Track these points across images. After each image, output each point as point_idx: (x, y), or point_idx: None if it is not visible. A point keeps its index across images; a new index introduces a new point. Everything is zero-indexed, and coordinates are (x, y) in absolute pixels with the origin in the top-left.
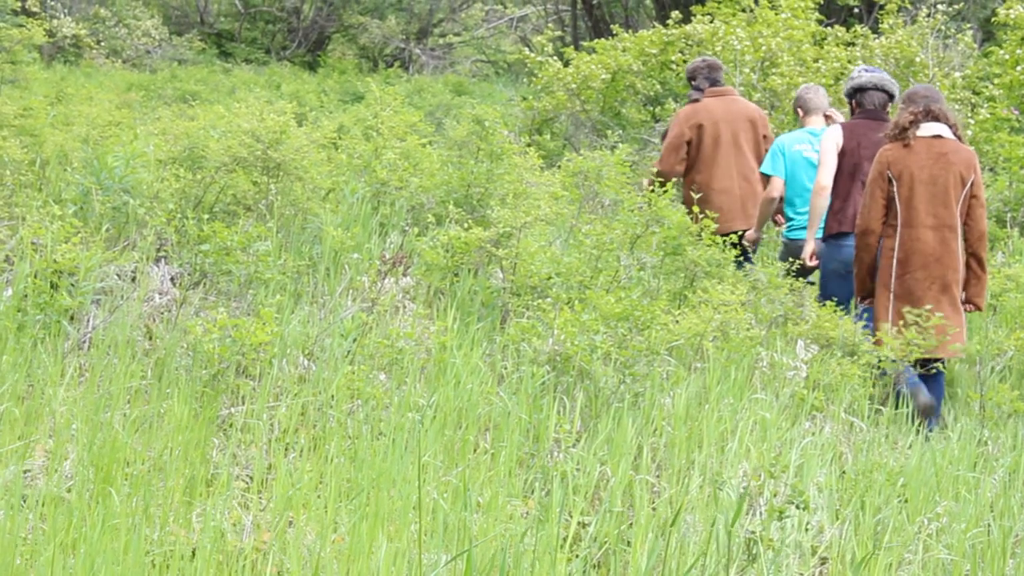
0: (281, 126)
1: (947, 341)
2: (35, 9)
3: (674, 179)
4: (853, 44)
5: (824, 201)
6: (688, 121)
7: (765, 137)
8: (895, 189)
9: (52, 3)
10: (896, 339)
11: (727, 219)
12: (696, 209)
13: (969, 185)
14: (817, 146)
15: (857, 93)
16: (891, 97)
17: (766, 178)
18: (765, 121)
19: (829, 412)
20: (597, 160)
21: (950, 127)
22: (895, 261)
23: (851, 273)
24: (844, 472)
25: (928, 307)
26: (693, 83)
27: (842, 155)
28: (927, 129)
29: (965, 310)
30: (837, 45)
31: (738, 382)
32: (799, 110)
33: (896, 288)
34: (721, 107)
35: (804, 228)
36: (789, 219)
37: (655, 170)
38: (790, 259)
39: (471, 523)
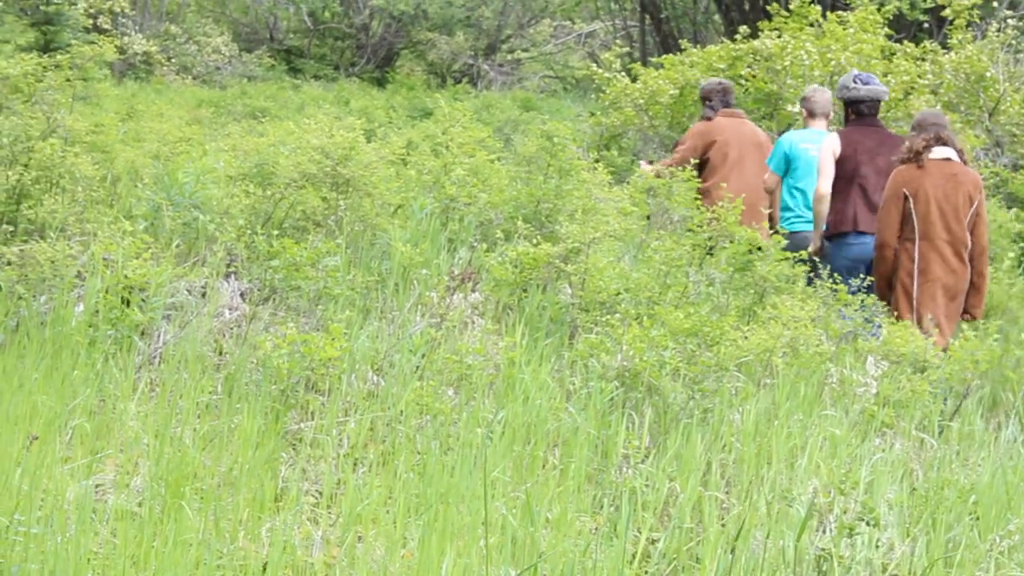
0: (350, 142)
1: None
2: (106, 26)
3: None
4: (923, 59)
5: (825, 207)
6: (703, 137)
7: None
8: (911, 206)
9: (123, 20)
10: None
11: None
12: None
13: (976, 204)
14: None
15: (854, 103)
16: (879, 103)
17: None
18: (770, 146)
19: (899, 428)
20: (666, 175)
21: (957, 151)
22: (916, 270)
23: (856, 267)
24: (914, 489)
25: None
26: (708, 103)
27: (840, 161)
28: (938, 153)
29: (962, 318)
30: (906, 60)
31: (807, 398)
32: (804, 111)
33: (918, 295)
34: (732, 127)
35: (801, 219)
36: (788, 209)
37: (665, 167)
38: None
39: (539, 539)
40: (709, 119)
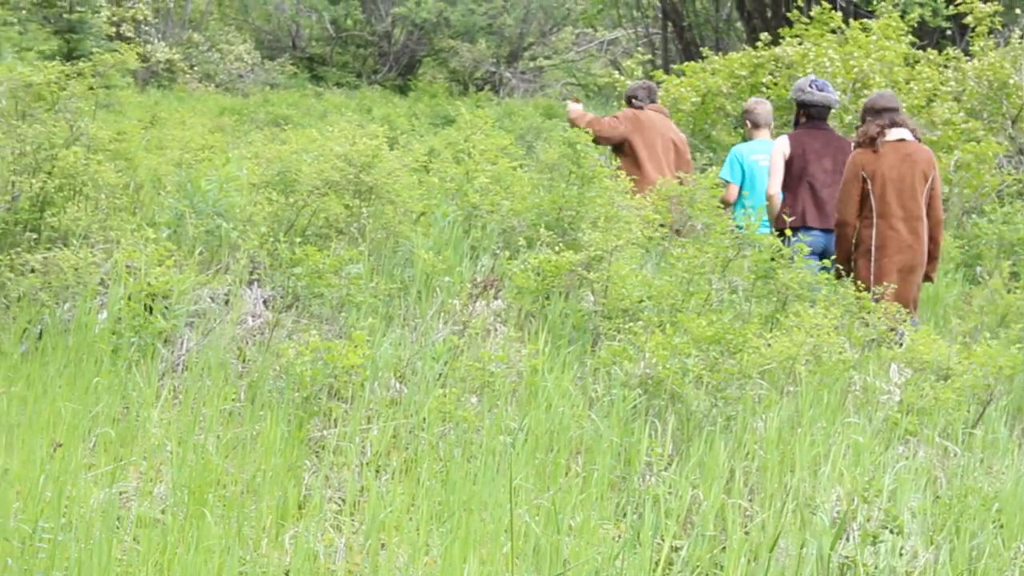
0: (373, 150)
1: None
2: (129, 34)
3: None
4: (946, 66)
5: (776, 205)
6: (634, 122)
7: (687, 161)
8: (869, 187)
9: (146, 28)
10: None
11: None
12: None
13: (930, 180)
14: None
15: (805, 106)
16: (830, 110)
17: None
18: (686, 147)
19: (923, 436)
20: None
21: (911, 131)
22: (873, 247)
23: (816, 254)
24: (938, 497)
25: (893, 284)
26: (635, 100)
27: (790, 161)
28: (893, 134)
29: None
30: (929, 67)
31: (831, 406)
32: (748, 122)
33: (875, 271)
34: (661, 123)
35: (762, 224)
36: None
37: (591, 129)
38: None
39: (563, 546)
40: (640, 108)
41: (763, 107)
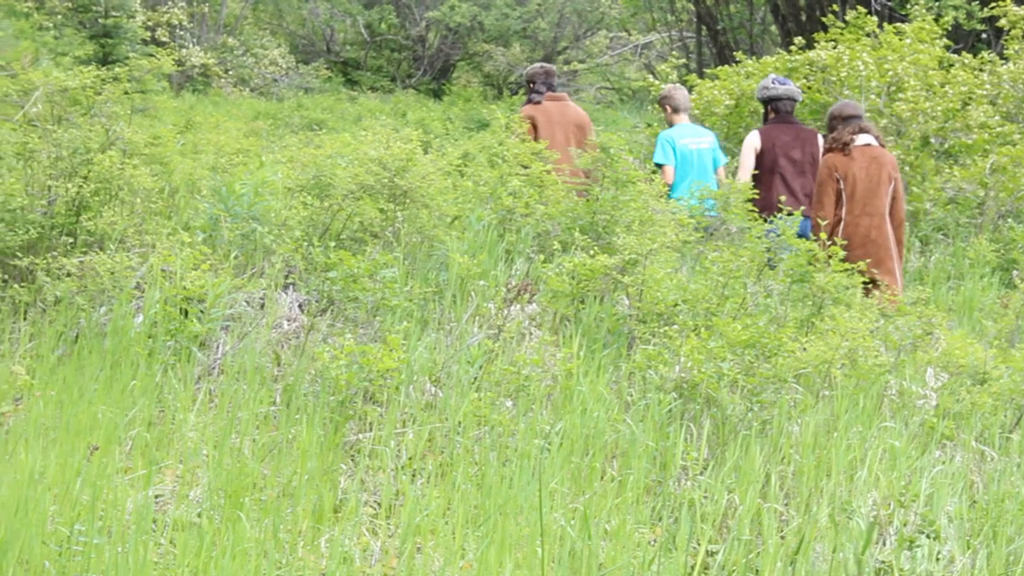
0: (407, 154)
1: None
2: (164, 39)
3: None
4: (981, 70)
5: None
6: (528, 120)
7: (589, 140)
8: (842, 187)
9: (181, 33)
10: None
11: None
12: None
13: (894, 182)
14: (699, 140)
15: (772, 101)
16: (796, 102)
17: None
18: (591, 127)
19: (960, 441)
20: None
21: (875, 136)
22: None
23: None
24: (975, 501)
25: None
26: (532, 86)
27: (761, 155)
28: (861, 139)
29: None
30: (964, 70)
31: (867, 410)
32: (668, 108)
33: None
34: (556, 110)
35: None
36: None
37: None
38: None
39: (598, 550)
40: (538, 103)
41: (681, 92)
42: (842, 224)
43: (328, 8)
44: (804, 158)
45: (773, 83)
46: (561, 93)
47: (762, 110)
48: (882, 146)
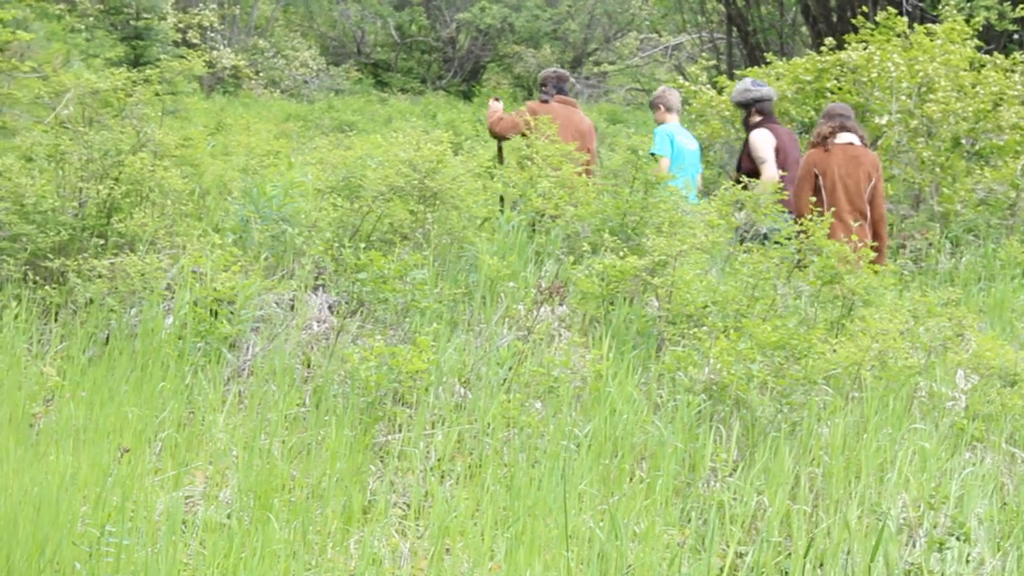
0: (437, 155)
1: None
2: (195, 40)
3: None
4: (1012, 70)
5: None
6: (534, 115)
7: (589, 150)
8: (821, 183)
9: (212, 35)
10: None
11: None
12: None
13: (874, 181)
14: (691, 142)
15: (757, 103)
16: (772, 102)
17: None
18: (594, 136)
19: (990, 442)
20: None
21: (859, 136)
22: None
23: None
24: (1005, 503)
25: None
26: (543, 88)
27: (775, 152)
28: (842, 138)
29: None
30: (995, 71)
31: (896, 412)
32: (661, 107)
33: None
34: (563, 113)
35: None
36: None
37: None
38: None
39: (627, 552)
40: (545, 102)
41: (673, 94)
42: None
43: (359, 10)
44: (795, 160)
45: (753, 85)
46: (571, 99)
47: (742, 114)
48: (865, 146)
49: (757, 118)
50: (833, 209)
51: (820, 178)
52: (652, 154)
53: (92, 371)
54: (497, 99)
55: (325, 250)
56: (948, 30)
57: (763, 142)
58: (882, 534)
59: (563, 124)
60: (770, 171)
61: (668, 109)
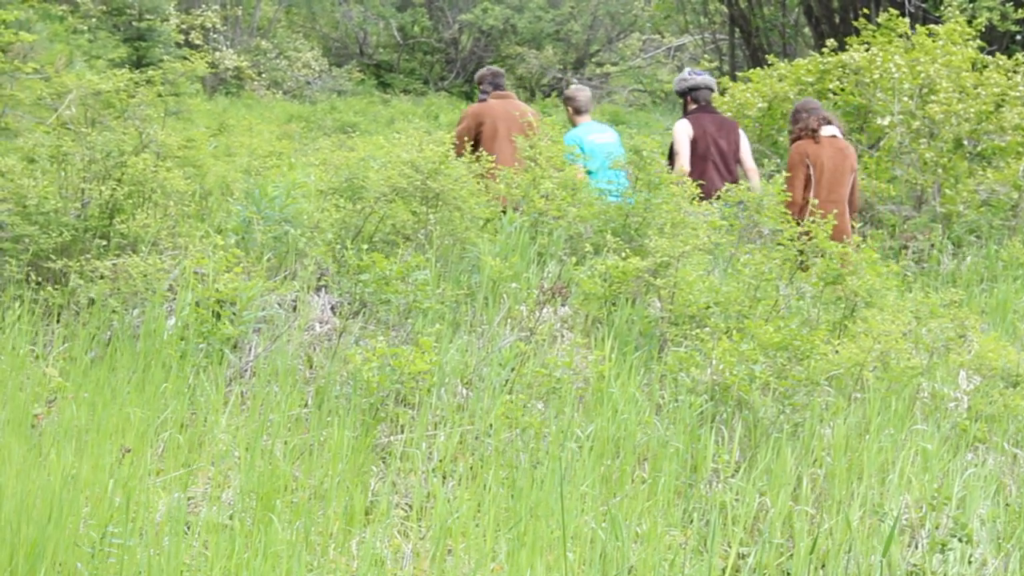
0: (440, 156)
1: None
2: (198, 42)
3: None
4: (1015, 71)
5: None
6: (475, 117)
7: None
8: (812, 172)
9: (215, 36)
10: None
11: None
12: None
13: (854, 172)
14: (604, 136)
15: (692, 91)
16: (712, 92)
17: None
18: (536, 123)
19: (992, 443)
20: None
21: (839, 129)
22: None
23: None
24: (1008, 504)
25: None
26: (481, 87)
27: (694, 142)
28: (826, 131)
29: None
30: (998, 72)
31: (899, 413)
32: (570, 108)
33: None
34: (501, 107)
35: (610, 195)
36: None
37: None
38: None
39: (628, 553)
40: (484, 100)
41: (584, 94)
42: (807, 207)
43: (361, 11)
44: (730, 147)
45: (689, 74)
46: (508, 92)
47: (680, 102)
48: (845, 138)
49: (693, 106)
50: (816, 201)
51: (811, 168)
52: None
53: (94, 372)
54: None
55: (327, 251)
56: (949, 31)
57: (678, 133)
58: (891, 537)
59: (504, 118)
60: (680, 163)
61: (576, 111)
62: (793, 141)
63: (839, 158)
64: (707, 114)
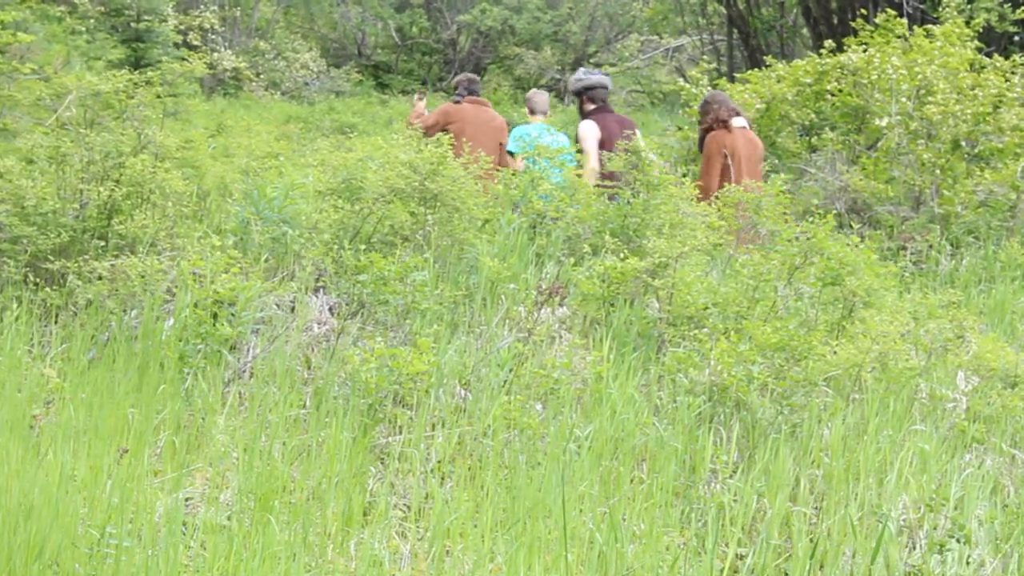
0: (438, 157)
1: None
2: (196, 43)
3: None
4: (1013, 72)
5: (595, 178)
6: (445, 116)
7: (501, 144)
8: (729, 161)
9: (213, 37)
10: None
11: None
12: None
13: (763, 162)
14: (552, 135)
15: (588, 90)
16: (607, 90)
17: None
18: (505, 131)
19: (990, 444)
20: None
21: (747, 120)
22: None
23: None
24: (1006, 505)
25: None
26: (456, 91)
27: (601, 142)
28: (737, 122)
29: None
30: (995, 73)
31: (897, 413)
32: (527, 109)
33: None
34: (472, 112)
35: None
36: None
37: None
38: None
39: (626, 553)
40: (457, 103)
41: (541, 97)
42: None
43: (359, 12)
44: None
45: (585, 74)
46: (482, 99)
47: (577, 101)
48: (752, 129)
49: (590, 106)
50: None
51: (728, 157)
52: (509, 152)
53: (92, 373)
54: (421, 98)
55: (325, 252)
56: (947, 32)
57: (586, 133)
58: (882, 536)
59: (475, 123)
60: (591, 162)
61: (531, 111)
62: (705, 132)
63: (751, 147)
64: (608, 113)
